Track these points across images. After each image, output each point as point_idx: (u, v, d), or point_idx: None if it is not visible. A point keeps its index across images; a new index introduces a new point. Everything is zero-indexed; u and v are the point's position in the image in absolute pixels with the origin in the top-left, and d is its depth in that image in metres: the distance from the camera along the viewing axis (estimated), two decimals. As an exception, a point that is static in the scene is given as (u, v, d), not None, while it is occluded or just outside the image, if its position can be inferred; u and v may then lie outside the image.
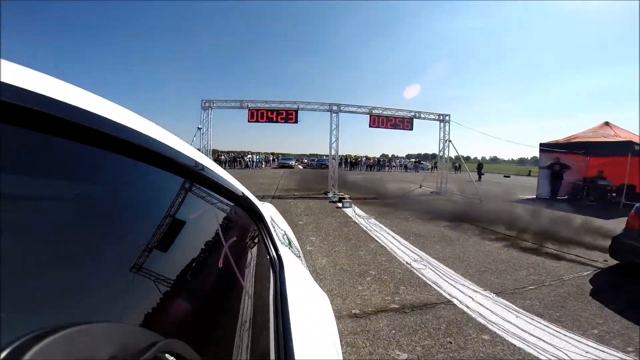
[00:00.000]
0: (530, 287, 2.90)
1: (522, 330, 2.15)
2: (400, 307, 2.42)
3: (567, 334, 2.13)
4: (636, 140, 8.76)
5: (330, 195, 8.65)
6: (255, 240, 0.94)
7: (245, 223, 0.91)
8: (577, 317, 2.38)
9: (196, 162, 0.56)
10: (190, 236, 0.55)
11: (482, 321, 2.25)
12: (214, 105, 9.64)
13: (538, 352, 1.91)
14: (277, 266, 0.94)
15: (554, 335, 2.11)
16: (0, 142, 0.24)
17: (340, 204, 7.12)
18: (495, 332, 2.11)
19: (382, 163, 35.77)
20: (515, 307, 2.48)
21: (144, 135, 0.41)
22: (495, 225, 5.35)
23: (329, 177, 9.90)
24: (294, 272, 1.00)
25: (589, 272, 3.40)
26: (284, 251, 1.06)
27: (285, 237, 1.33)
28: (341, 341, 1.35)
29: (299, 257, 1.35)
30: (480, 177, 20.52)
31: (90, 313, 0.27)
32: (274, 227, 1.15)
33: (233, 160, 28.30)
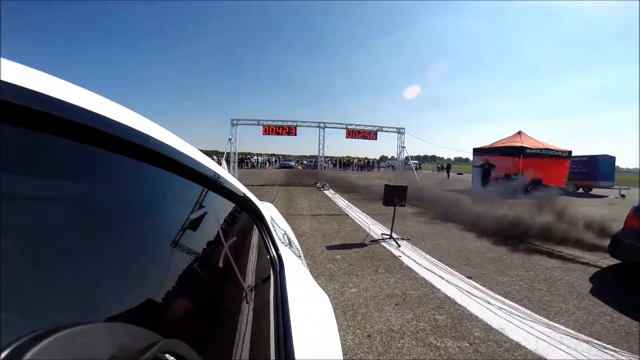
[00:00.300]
0: (388, 214, 5.31)
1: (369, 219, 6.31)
2: (329, 214, 6.77)
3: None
4: (539, 146, 12.55)
5: (317, 184, 12.78)
6: (256, 240, 0.94)
7: (246, 223, 0.91)
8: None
9: (196, 161, 0.56)
10: (190, 236, 0.55)
11: (352, 215, 6.57)
12: (239, 122, 14.60)
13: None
14: (277, 266, 0.94)
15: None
16: (0, 142, 0.24)
17: (322, 188, 11.72)
18: (356, 216, 6.47)
19: (372, 164, 40.48)
20: (375, 220, 6.11)
21: (144, 134, 0.41)
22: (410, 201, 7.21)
23: (319, 174, 15.14)
24: (294, 272, 1.00)
25: (454, 226, 5.91)
26: (284, 251, 1.06)
27: (285, 236, 1.33)
28: (311, 218, 6.15)
29: (299, 256, 1.35)
30: (449, 175, 26.03)
31: (90, 313, 0.27)
32: (274, 227, 1.14)
33: (241, 161, 30.58)
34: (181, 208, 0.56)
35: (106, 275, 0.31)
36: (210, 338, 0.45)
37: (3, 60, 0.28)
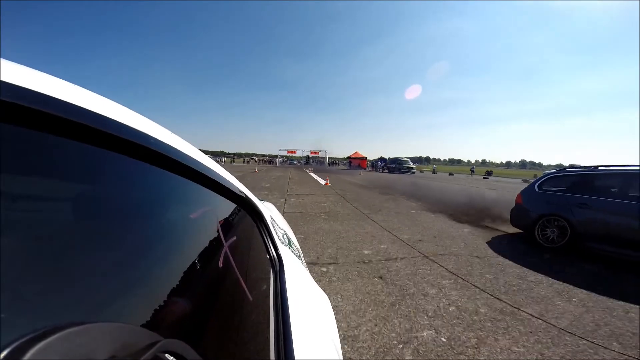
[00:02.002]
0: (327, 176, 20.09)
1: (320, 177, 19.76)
2: (299, 179, 17.07)
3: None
4: (360, 156, 50.27)
5: (305, 169, 30.90)
6: (255, 240, 0.94)
7: (246, 222, 0.91)
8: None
9: (197, 161, 0.56)
10: (190, 236, 0.55)
11: (313, 175, 21.22)
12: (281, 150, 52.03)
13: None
14: (277, 266, 0.94)
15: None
16: (0, 142, 0.24)
17: (309, 172, 25.60)
18: (316, 177, 19.30)
19: (337, 162, 65.66)
20: (321, 178, 18.90)
21: (144, 134, 0.41)
22: (343, 175, 25.00)
23: (306, 167, 39.92)
24: (294, 272, 1.00)
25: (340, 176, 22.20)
26: (284, 251, 1.06)
27: (285, 236, 1.33)
28: (299, 174, 23.34)
29: (299, 256, 1.35)
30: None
31: (90, 313, 0.27)
32: (274, 227, 1.14)
33: (270, 162, 57.58)
34: (181, 208, 0.56)
35: (106, 275, 0.31)
36: (211, 338, 0.45)
37: (3, 60, 0.28)
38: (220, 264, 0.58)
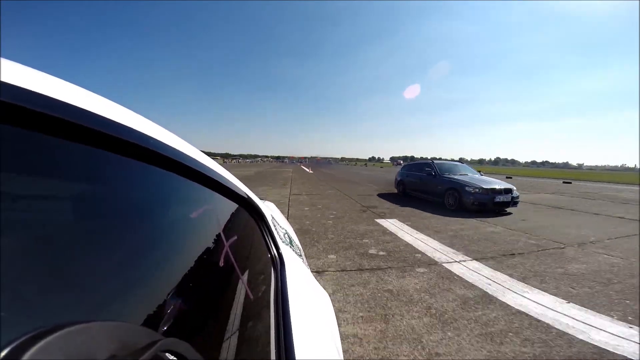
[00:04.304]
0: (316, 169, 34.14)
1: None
2: (297, 169, 34.80)
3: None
4: (303, 156, 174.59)
5: (302, 167, 40.59)
6: (256, 239, 0.94)
7: (247, 222, 0.91)
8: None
9: (197, 161, 0.56)
10: (190, 235, 0.55)
11: (305, 169, 34.78)
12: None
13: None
14: (278, 265, 0.94)
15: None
16: (0, 142, 0.24)
17: (303, 167, 40.20)
18: (309, 171, 29.53)
19: (331, 162, 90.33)
20: (312, 171, 31.09)
21: (144, 134, 0.41)
22: (323, 168, 42.27)
23: (308, 165, 55.20)
24: (295, 271, 1.00)
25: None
26: (285, 250, 1.06)
27: (286, 235, 1.33)
28: (294, 170, 30.87)
29: (300, 256, 1.35)
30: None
31: (91, 312, 0.27)
32: (275, 226, 1.15)
33: (282, 160, 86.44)
34: (182, 208, 0.56)
35: (106, 275, 0.31)
36: (211, 337, 0.45)
37: (3, 60, 0.28)
38: (221, 264, 0.58)
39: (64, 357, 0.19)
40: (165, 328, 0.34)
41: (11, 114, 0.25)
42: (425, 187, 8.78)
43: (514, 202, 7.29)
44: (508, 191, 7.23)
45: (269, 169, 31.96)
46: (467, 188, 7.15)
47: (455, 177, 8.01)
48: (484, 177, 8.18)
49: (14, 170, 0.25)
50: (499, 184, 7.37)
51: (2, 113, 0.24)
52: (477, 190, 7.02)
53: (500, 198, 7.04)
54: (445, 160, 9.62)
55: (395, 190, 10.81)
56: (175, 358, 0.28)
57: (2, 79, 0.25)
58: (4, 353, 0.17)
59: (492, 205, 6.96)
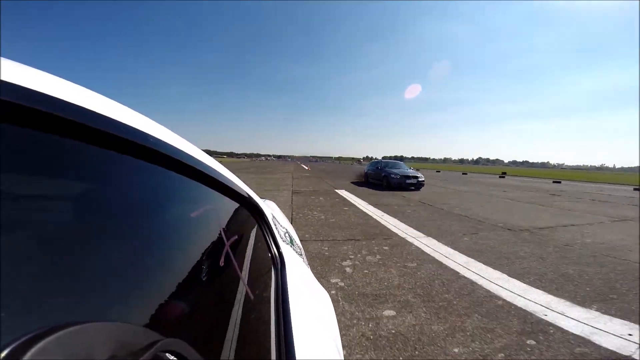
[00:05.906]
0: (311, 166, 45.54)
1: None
2: (297, 167, 40.70)
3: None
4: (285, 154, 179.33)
5: (301, 164, 38.74)
6: (257, 238, 0.94)
7: (247, 221, 0.91)
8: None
9: (196, 159, 0.56)
10: (190, 235, 0.55)
11: (303, 165, 50.34)
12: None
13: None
14: (279, 264, 0.94)
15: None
16: (0, 142, 0.24)
17: (302, 165, 50.65)
18: (305, 167, 39.29)
19: (324, 160, 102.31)
20: (307, 167, 42.68)
21: (144, 133, 0.41)
22: (318, 165, 57.16)
23: (306, 163, 65.93)
24: (296, 270, 1.00)
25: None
26: (285, 249, 1.06)
27: (287, 234, 1.33)
28: (294, 168, 38.49)
29: (301, 255, 1.35)
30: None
31: (91, 312, 0.27)
32: (275, 225, 1.15)
33: (283, 159, 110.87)
34: (182, 207, 0.56)
35: (106, 274, 0.31)
36: (211, 337, 0.45)
37: (3, 60, 0.28)
38: (222, 263, 0.58)
39: (64, 358, 0.19)
40: (165, 328, 0.34)
41: (11, 112, 0.25)
42: (376, 176, 14.40)
43: (419, 184, 12.40)
44: (415, 177, 12.27)
45: (276, 165, 48.21)
46: (392, 175, 12.61)
47: (390, 169, 13.46)
48: (408, 170, 13.31)
49: (14, 170, 0.25)
50: (413, 173, 12.58)
51: (2, 112, 0.24)
52: (397, 177, 12.39)
53: (410, 181, 12.17)
54: (390, 159, 17.62)
55: (364, 180, 16.71)
56: (175, 358, 0.28)
57: (2, 78, 0.25)
58: (4, 353, 0.17)
59: (405, 185, 12.14)
